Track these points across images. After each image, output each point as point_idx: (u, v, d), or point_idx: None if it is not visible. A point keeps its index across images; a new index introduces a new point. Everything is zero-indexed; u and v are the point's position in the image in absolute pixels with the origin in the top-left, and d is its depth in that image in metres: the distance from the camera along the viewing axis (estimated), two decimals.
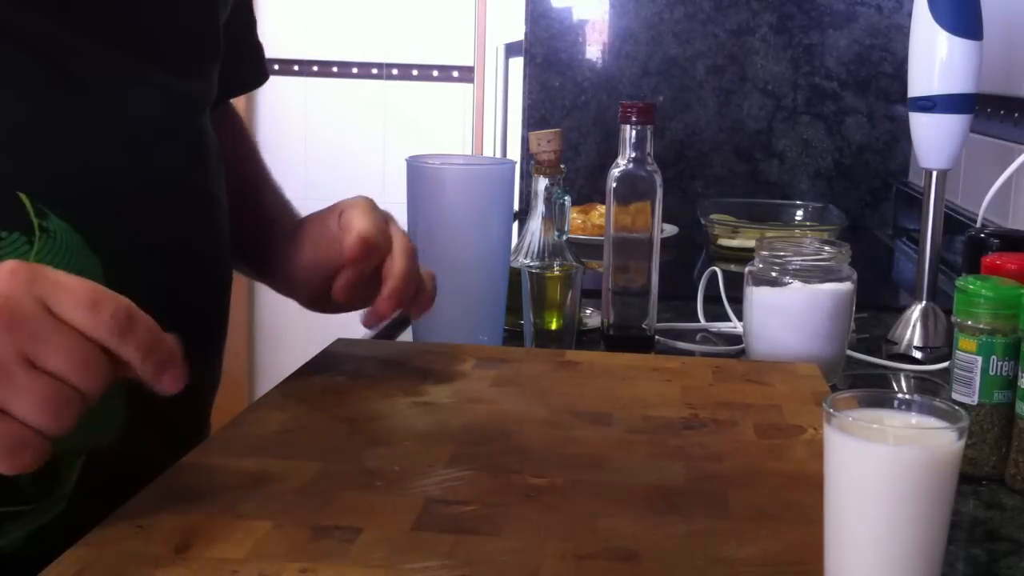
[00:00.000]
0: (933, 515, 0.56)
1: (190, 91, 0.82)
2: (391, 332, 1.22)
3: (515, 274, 1.12)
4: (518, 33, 2.09)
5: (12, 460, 0.55)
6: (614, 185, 1.13)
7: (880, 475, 0.55)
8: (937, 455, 0.56)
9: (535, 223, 1.20)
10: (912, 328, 1.17)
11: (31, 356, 0.55)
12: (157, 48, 0.79)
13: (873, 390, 0.63)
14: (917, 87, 1.14)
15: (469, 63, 3.23)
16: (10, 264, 0.56)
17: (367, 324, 0.88)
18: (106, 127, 0.74)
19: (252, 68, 1.03)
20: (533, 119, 2.03)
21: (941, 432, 0.57)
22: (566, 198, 1.19)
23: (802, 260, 1.07)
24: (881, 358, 1.15)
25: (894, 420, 0.58)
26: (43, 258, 0.69)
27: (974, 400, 0.81)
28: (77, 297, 0.56)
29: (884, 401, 0.60)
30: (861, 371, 1.12)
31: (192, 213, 0.82)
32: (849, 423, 0.57)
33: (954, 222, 1.46)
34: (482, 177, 1.09)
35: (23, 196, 0.69)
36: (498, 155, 2.91)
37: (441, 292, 1.06)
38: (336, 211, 0.89)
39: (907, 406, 0.59)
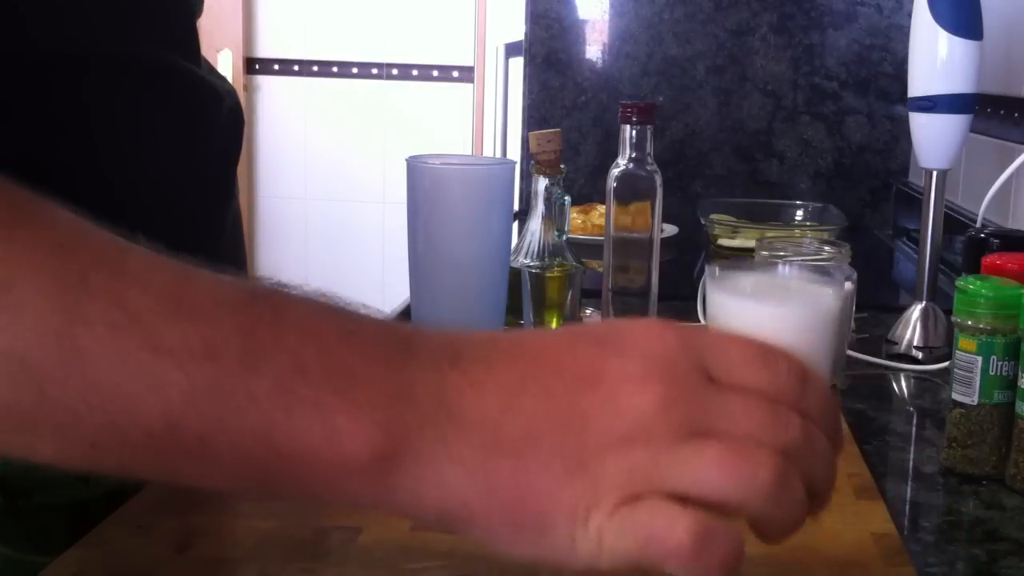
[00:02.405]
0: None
1: None
2: None
3: (515, 274, 1.12)
4: (518, 33, 2.09)
5: (703, 556, 0.41)
6: (614, 185, 1.13)
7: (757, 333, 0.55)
8: (814, 313, 0.56)
9: (535, 223, 1.20)
10: (912, 328, 1.17)
11: (702, 429, 0.42)
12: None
13: (755, 260, 0.64)
14: (917, 87, 1.14)
15: (469, 63, 3.23)
16: (654, 326, 0.44)
17: None
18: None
19: None
20: (533, 119, 2.03)
21: (819, 289, 0.58)
22: (566, 198, 1.19)
23: (802, 260, 1.07)
24: (881, 358, 1.15)
25: (773, 281, 0.59)
26: None
27: (974, 400, 0.81)
28: (744, 354, 0.44)
29: (767, 266, 0.61)
30: (861, 371, 1.12)
31: None
32: (727, 283, 0.58)
33: (954, 222, 1.46)
34: (482, 177, 1.09)
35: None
36: (498, 155, 2.91)
37: (441, 291, 1.06)
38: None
39: (790, 268, 0.60)
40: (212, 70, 0.86)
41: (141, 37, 0.74)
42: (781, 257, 1.07)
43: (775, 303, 0.55)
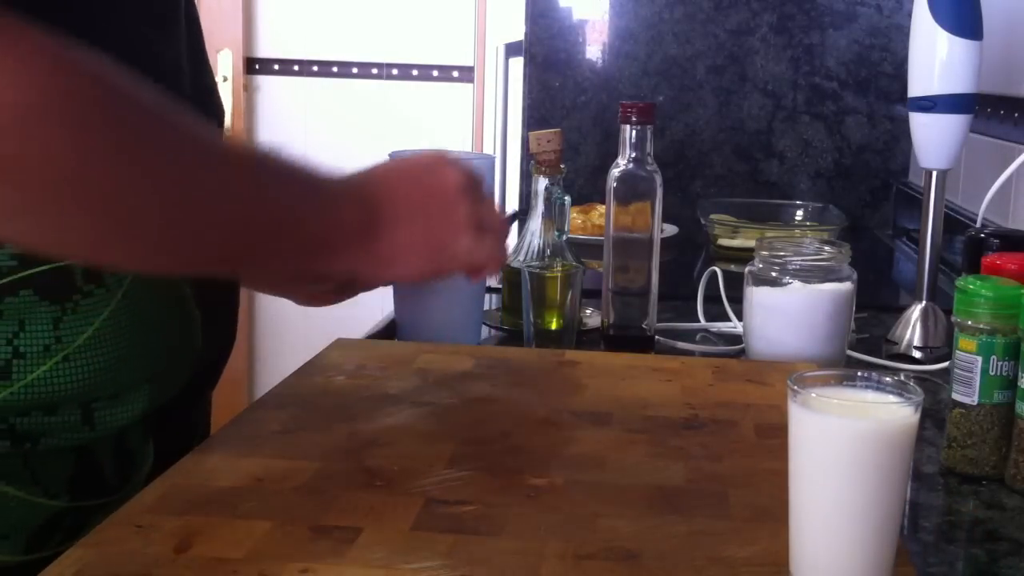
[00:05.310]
0: (887, 487, 0.58)
1: None
2: (391, 332, 1.22)
3: (515, 274, 1.12)
4: (518, 33, 2.09)
5: (489, 269, 0.84)
6: (614, 185, 1.13)
7: (837, 447, 0.57)
8: (889, 428, 0.57)
9: (535, 223, 1.20)
10: (912, 328, 1.17)
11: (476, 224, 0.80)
12: None
13: (837, 370, 0.65)
14: (917, 87, 1.14)
15: (469, 63, 3.23)
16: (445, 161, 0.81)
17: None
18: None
19: None
20: (533, 119, 2.03)
21: (895, 407, 0.59)
22: (566, 198, 1.19)
23: (802, 260, 1.07)
24: (881, 358, 1.15)
25: (852, 395, 0.60)
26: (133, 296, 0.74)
27: (974, 400, 0.81)
28: (474, 182, 0.81)
29: (846, 378, 0.62)
30: None
31: None
32: (812, 399, 0.58)
33: (954, 222, 1.46)
34: None
35: None
36: (498, 155, 2.91)
37: (419, 288, 1.08)
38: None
39: (867, 383, 0.61)
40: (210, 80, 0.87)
41: None
42: (782, 258, 1.07)
43: (856, 419, 0.59)
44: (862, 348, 1.17)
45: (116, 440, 0.77)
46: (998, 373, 0.80)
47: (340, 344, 1.02)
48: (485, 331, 1.22)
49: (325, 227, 0.72)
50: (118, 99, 0.58)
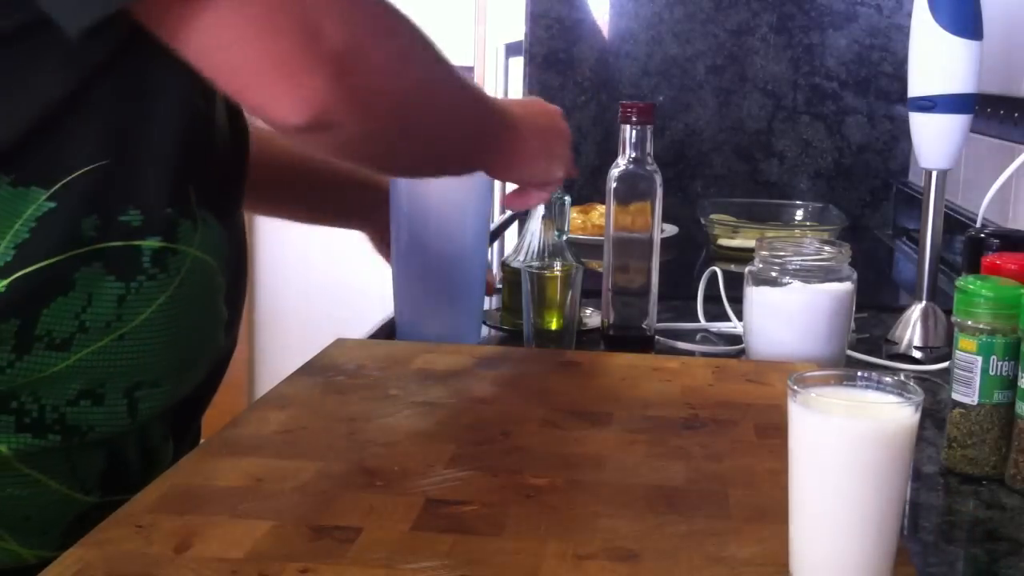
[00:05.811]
0: (887, 487, 0.58)
1: None
2: (391, 332, 1.22)
3: (515, 274, 1.12)
4: (518, 33, 2.09)
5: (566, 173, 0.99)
6: (614, 185, 1.13)
7: (837, 447, 0.58)
8: (889, 428, 0.57)
9: (535, 223, 1.20)
10: (912, 328, 1.17)
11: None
12: None
13: (837, 370, 0.65)
14: (917, 87, 1.14)
15: (469, 63, 3.23)
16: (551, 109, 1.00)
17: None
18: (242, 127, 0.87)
19: None
20: None
21: (895, 407, 0.59)
22: (566, 198, 1.19)
23: (802, 260, 1.07)
24: (881, 358, 1.15)
25: (852, 395, 0.60)
26: (204, 247, 0.77)
27: (974, 400, 0.81)
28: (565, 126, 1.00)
29: (846, 378, 0.62)
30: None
31: None
32: (812, 399, 0.59)
33: (954, 222, 1.46)
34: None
35: (191, 188, 0.75)
36: None
37: (419, 288, 1.08)
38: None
39: (867, 383, 0.61)
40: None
41: None
42: (782, 258, 1.07)
43: (856, 419, 0.59)
44: (862, 348, 1.17)
45: (140, 436, 0.78)
46: (998, 373, 0.80)
47: (340, 344, 1.02)
48: (485, 331, 1.22)
49: (498, 137, 0.90)
50: (430, 47, 0.79)
